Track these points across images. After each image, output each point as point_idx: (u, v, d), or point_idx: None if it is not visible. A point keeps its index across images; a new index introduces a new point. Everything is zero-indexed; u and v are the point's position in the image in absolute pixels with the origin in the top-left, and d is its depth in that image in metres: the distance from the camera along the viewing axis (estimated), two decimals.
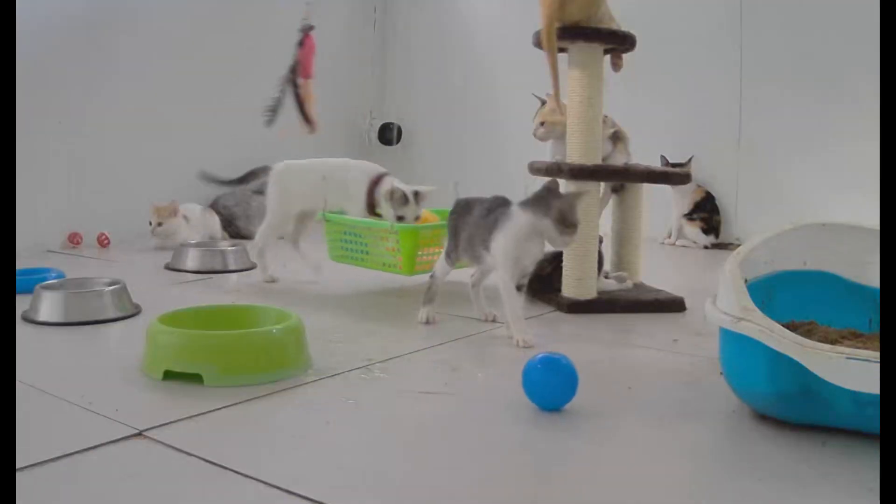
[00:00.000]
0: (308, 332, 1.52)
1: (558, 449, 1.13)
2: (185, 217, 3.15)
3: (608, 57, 2.16)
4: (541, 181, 1.75)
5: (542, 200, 1.65)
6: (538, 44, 2.03)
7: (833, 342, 1.24)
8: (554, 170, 2.07)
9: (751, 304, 1.17)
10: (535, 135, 2.29)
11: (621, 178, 2.24)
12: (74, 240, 3.11)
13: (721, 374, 1.31)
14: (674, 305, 2.10)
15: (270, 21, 3.86)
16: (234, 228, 3.49)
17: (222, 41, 3.65)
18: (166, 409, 1.23)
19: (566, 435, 1.18)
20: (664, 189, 3.26)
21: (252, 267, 2.69)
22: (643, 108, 3.29)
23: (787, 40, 3.34)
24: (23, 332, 1.74)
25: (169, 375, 1.37)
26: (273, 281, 2.40)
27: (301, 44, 2.41)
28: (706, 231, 3.50)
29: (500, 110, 4.08)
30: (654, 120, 3.39)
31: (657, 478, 1.04)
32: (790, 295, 1.40)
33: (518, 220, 1.65)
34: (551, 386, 1.27)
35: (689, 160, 3.44)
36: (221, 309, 1.66)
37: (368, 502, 0.95)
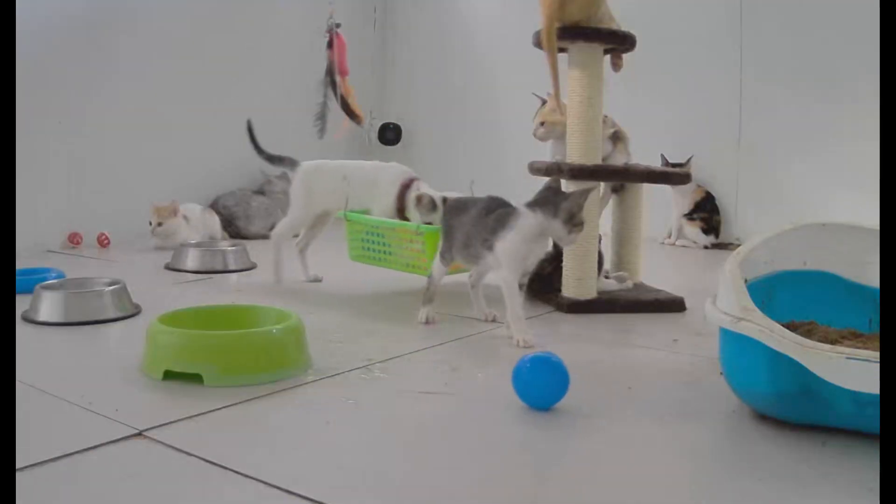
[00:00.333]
0: (308, 332, 1.52)
1: (558, 449, 1.13)
2: (185, 217, 3.15)
3: (608, 57, 2.16)
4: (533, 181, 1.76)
5: (550, 201, 1.66)
6: (538, 44, 2.03)
7: (833, 342, 1.24)
8: (554, 170, 2.07)
9: (751, 304, 1.17)
10: (535, 135, 2.29)
11: (621, 178, 2.24)
12: (74, 240, 3.11)
13: (721, 374, 1.31)
14: (674, 305, 2.10)
15: (270, 21, 3.88)
16: (234, 228, 3.49)
17: (222, 41, 3.66)
18: (166, 409, 1.23)
19: (566, 435, 1.18)
20: (664, 189, 3.26)
21: (252, 267, 2.69)
22: (643, 108, 3.29)
23: (787, 40, 3.34)
24: (23, 332, 1.74)
25: (169, 375, 1.37)
26: (317, 281, 2.39)
27: (330, 43, 2.41)
28: (706, 231, 3.50)
29: (500, 110, 4.08)
30: (654, 120, 3.39)
31: (657, 478, 1.04)
32: (790, 295, 1.40)
33: (526, 220, 1.66)
34: (541, 385, 1.27)
35: (689, 160, 3.44)
36: (221, 309, 1.66)
37: (368, 502, 0.95)
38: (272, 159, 2.45)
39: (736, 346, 1.20)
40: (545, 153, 2.31)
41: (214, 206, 3.50)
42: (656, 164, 3.27)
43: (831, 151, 3.23)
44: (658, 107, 3.53)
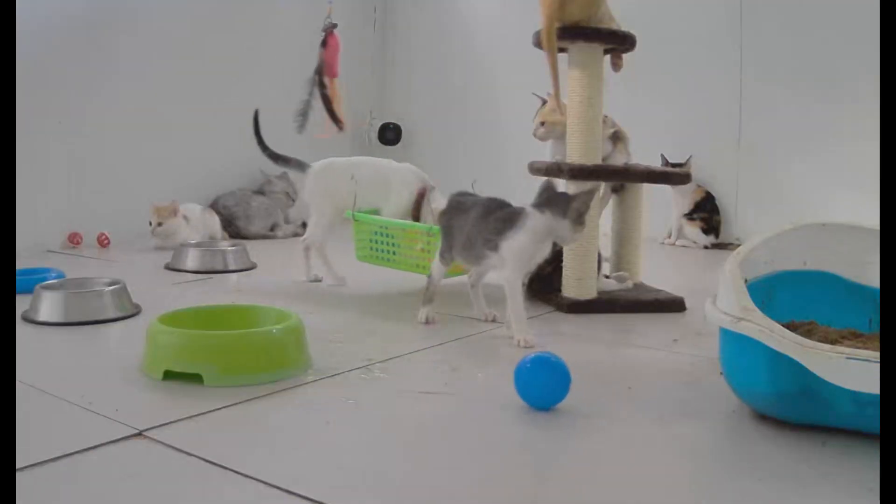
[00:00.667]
0: (308, 332, 1.52)
1: (558, 449, 1.13)
2: (185, 217, 3.15)
3: (608, 57, 2.16)
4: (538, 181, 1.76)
5: (558, 201, 1.67)
6: (538, 44, 2.03)
7: (833, 342, 1.24)
8: (554, 170, 2.07)
9: (751, 304, 1.17)
10: (535, 135, 2.29)
11: (621, 178, 2.24)
12: (74, 240, 3.11)
13: (721, 374, 1.31)
14: (674, 305, 2.10)
15: (271, 21, 3.88)
16: (234, 228, 3.49)
17: (222, 41, 3.66)
18: (166, 409, 1.23)
19: (566, 434, 1.18)
20: (664, 189, 3.26)
21: (252, 267, 2.69)
22: (643, 108, 3.29)
23: (787, 40, 3.34)
24: (23, 332, 1.74)
25: (169, 375, 1.37)
26: (341, 284, 2.37)
27: (325, 43, 2.40)
28: (706, 231, 3.50)
29: (500, 110, 4.08)
30: (654, 120, 3.39)
31: (657, 478, 1.04)
32: (790, 295, 1.40)
33: (535, 221, 1.66)
34: (542, 385, 1.27)
35: (688, 160, 3.44)
36: (221, 309, 1.66)
37: (368, 502, 0.95)
38: (277, 158, 2.43)
39: (736, 346, 1.20)
40: (545, 153, 2.31)
41: (214, 206, 3.50)
42: (656, 164, 3.27)
43: (831, 151, 3.23)
44: (658, 107, 3.53)
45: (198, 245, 2.76)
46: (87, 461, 1.04)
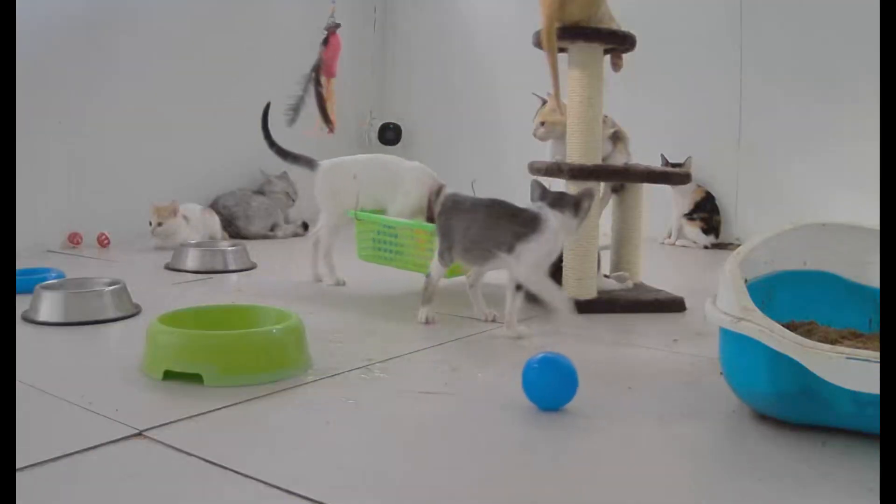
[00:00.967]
0: (308, 332, 1.52)
1: (558, 449, 1.13)
2: (185, 217, 3.15)
3: (608, 57, 2.16)
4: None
5: (566, 201, 1.72)
6: (538, 44, 2.03)
7: (833, 342, 1.24)
8: (554, 170, 2.07)
9: (751, 304, 1.17)
10: (535, 135, 2.29)
11: (621, 178, 2.24)
12: (74, 240, 3.11)
13: (721, 374, 1.31)
14: (674, 305, 2.10)
15: (271, 21, 3.88)
16: (234, 228, 3.49)
17: (222, 41, 3.66)
18: (166, 409, 1.23)
19: (566, 435, 1.18)
20: (664, 189, 3.26)
21: (252, 267, 2.69)
22: (643, 108, 3.29)
23: (787, 40, 3.34)
24: (23, 332, 1.74)
25: (169, 375, 1.37)
26: (341, 284, 2.36)
27: (326, 42, 2.40)
28: (706, 231, 3.50)
29: (500, 110, 4.08)
30: (654, 120, 3.39)
31: (657, 478, 1.04)
32: (790, 295, 1.40)
33: (555, 222, 1.70)
34: (550, 386, 1.27)
35: (687, 160, 3.44)
36: (221, 309, 1.66)
37: (368, 502, 0.95)
38: (286, 155, 2.42)
39: (736, 346, 1.20)
40: (545, 153, 2.31)
41: (214, 206, 3.50)
42: (656, 164, 3.27)
43: (831, 151, 3.23)
44: (658, 107, 3.53)
45: (198, 245, 2.75)
46: (87, 461, 1.04)
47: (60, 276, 2.18)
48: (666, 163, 3.39)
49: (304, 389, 1.37)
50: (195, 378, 1.35)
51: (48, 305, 1.83)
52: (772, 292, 1.37)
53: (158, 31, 3.40)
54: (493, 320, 1.89)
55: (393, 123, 4.49)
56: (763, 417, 1.23)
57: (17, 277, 2.05)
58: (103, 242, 3.16)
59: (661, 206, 3.41)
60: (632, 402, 1.36)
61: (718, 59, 3.51)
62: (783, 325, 1.15)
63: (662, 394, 1.40)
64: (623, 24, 2.11)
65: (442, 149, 4.34)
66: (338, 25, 2.40)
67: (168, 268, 2.65)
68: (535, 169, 2.16)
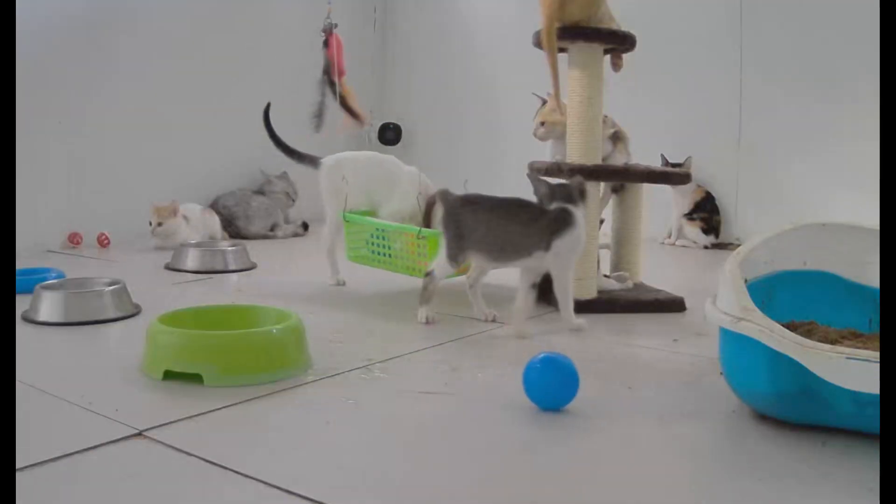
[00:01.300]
0: (308, 332, 1.52)
1: (558, 449, 1.13)
2: (185, 217, 3.15)
3: (608, 57, 2.16)
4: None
5: (575, 193, 1.77)
6: (538, 44, 2.03)
7: (833, 342, 1.24)
8: (554, 170, 2.07)
9: (751, 304, 1.17)
10: (535, 135, 2.29)
11: (621, 178, 2.24)
12: (74, 240, 3.11)
13: (721, 374, 1.31)
14: (674, 305, 2.10)
15: (271, 21, 3.88)
16: (234, 228, 3.49)
17: (222, 41, 3.66)
18: (166, 409, 1.23)
19: (566, 435, 1.18)
20: (664, 189, 3.26)
21: (252, 267, 2.69)
22: (643, 108, 3.29)
23: (787, 40, 3.34)
24: (23, 332, 1.74)
25: (169, 375, 1.37)
26: (341, 284, 2.36)
27: (326, 44, 2.41)
28: (706, 231, 3.50)
29: (500, 110, 4.08)
30: (654, 120, 3.39)
31: (657, 478, 1.04)
32: (790, 295, 1.40)
33: (581, 216, 1.77)
34: (551, 386, 1.27)
35: (687, 160, 3.44)
36: (221, 309, 1.66)
37: (368, 502, 0.95)
38: (291, 153, 2.41)
39: (736, 346, 1.20)
40: (545, 153, 2.31)
41: (214, 206, 3.50)
42: (656, 164, 3.27)
43: (831, 151, 3.23)
44: (658, 107, 3.53)
45: (198, 245, 2.75)
46: (87, 461, 1.04)
47: (60, 276, 2.18)
48: (666, 163, 3.39)
49: (304, 389, 1.37)
50: (195, 378, 1.35)
51: (48, 305, 1.83)
52: (772, 292, 1.37)
53: (158, 31, 3.40)
54: (493, 320, 1.89)
55: (393, 123, 4.49)
56: (763, 417, 1.23)
57: (17, 277, 2.05)
58: (103, 242, 3.16)
59: (661, 206, 3.41)
60: (632, 401, 1.36)
61: (718, 59, 3.51)
62: (783, 325, 1.15)
63: (662, 394, 1.40)
64: (623, 24, 2.11)
65: (442, 149, 4.34)
66: (335, 25, 2.40)
67: (168, 268, 2.65)
68: (535, 169, 2.16)
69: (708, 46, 3.53)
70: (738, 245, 1.50)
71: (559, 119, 2.18)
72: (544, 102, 2.28)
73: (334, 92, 2.38)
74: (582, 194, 1.78)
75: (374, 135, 4.50)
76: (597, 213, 2.11)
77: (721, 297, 1.24)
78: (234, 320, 1.57)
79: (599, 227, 2.23)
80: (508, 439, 1.17)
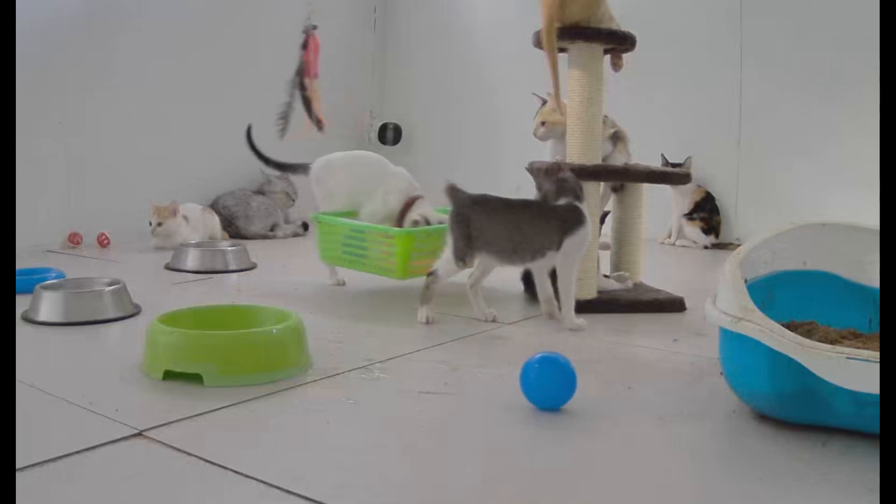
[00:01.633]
0: (308, 332, 1.52)
1: (558, 449, 1.13)
2: (185, 217, 3.15)
3: (608, 57, 2.16)
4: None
5: (577, 189, 1.81)
6: (538, 44, 2.03)
7: (833, 342, 1.24)
8: (554, 170, 2.07)
9: (751, 304, 1.17)
10: (535, 134, 2.29)
11: (621, 178, 2.24)
12: (74, 240, 3.11)
13: (721, 374, 1.31)
14: (674, 305, 2.10)
15: (271, 21, 3.87)
16: (234, 228, 3.49)
17: (222, 41, 3.66)
18: (166, 409, 1.23)
19: (566, 434, 1.18)
20: (664, 189, 3.26)
21: (252, 267, 2.69)
22: (643, 108, 3.29)
23: (787, 40, 3.34)
24: (23, 332, 1.74)
25: (169, 375, 1.37)
26: (341, 284, 2.36)
27: (305, 45, 2.41)
28: (706, 231, 3.50)
29: (500, 110, 4.08)
30: (654, 120, 3.39)
31: (657, 478, 1.04)
32: (790, 295, 1.40)
33: (589, 215, 1.80)
34: (549, 386, 1.27)
35: (687, 160, 3.44)
36: (221, 309, 1.66)
37: (368, 502, 0.95)
38: (282, 167, 2.45)
39: (736, 346, 1.20)
40: (545, 153, 2.31)
41: (214, 206, 3.50)
42: (656, 164, 3.27)
43: (831, 151, 3.23)
44: (658, 107, 3.53)
45: (198, 245, 2.76)
46: (87, 461, 1.04)
47: (60, 276, 2.18)
48: (666, 163, 3.39)
49: (304, 389, 1.37)
50: (195, 378, 1.35)
51: (48, 305, 1.83)
52: (772, 292, 1.37)
53: (158, 30, 3.40)
54: (493, 320, 1.89)
55: (393, 123, 4.49)
56: (763, 417, 1.23)
57: (17, 277, 2.06)
58: (103, 242, 3.16)
59: (661, 206, 3.41)
60: (631, 401, 1.36)
61: (718, 59, 3.51)
62: (783, 325, 1.15)
63: (662, 394, 1.40)
64: (623, 24, 2.11)
65: (442, 149, 4.34)
66: (315, 27, 2.41)
67: (168, 268, 2.65)
68: (535, 169, 2.16)
69: (708, 46, 3.54)
70: (738, 245, 1.50)
71: (559, 119, 2.18)
72: (544, 102, 2.28)
73: (302, 94, 2.38)
74: (581, 190, 1.81)
75: (374, 135, 4.50)
76: (597, 212, 2.11)
77: (721, 297, 1.24)
78: (234, 320, 1.57)
79: (603, 221, 2.23)
80: (508, 439, 1.17)
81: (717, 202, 3.54)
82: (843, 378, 1.06)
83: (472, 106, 4.26)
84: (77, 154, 3.16)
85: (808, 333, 1.26)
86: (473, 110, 4.25)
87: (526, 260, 1.80)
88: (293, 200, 3.75)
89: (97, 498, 0.94)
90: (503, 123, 4.00)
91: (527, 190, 1.96)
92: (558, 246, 1.77)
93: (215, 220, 3.37)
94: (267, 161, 2.44)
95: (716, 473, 1.07)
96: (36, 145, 2.95)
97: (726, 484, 1.03)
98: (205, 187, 3.56)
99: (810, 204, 3.18)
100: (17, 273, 2.09)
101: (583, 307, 2.03)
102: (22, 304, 1.87)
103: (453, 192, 1.85)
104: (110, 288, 1.92)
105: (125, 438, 1.11)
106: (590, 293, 2.07)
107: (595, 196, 2.08)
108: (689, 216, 3.53)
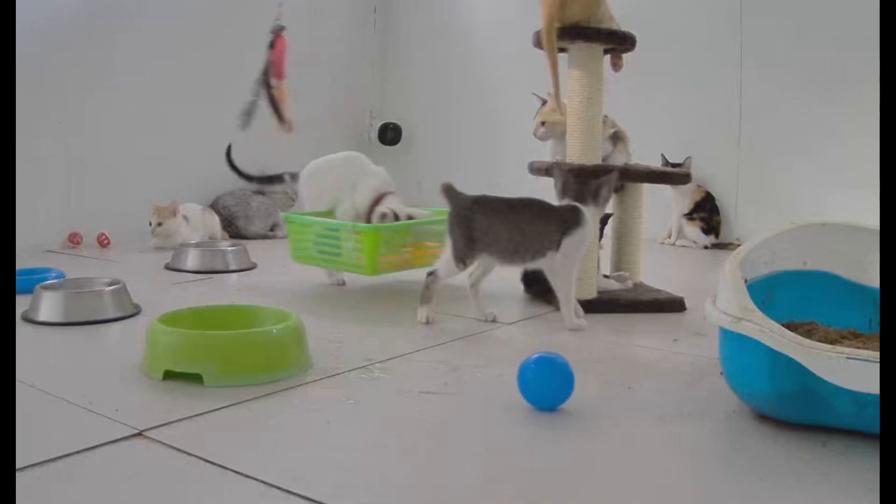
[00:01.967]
0: (308, 332, 1.52)
1: (558, 449, 1.13)
2: (185, 217, 3.15)
3: (608, 57, 2.16)
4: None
5: (588, 190, 1.80)
6: (538, 44, 2.03)
7: (833, 342, 1.24)
8: (554, 170, 2.07)
9: (751, 304, 1.17)
10: (535, 135, 2.29)
11: (621, 178, 2.23)
12: (74, 240, 3.11)
13: (721, 374, 1.31)
14: (674, 305, 2.10)
15: (271, 21, 3.87)
16: (234, 228, 3.49)
17: (223, 41, 3.65)
18: (166, 409, 1.23)
19: (566, 434, 1.18)
20: (664, 189, 3.26)
21: (252, 267, 2.69)
22: (643, 108, 3.28)
23: (787, 40, 3.33)
24: (23, 332, 1.74)
25: (169, 375, 1.37)
26: (341, 284, 2.37)
27: (272, 45, 2.43)
28: (706, 231, 3.50)
29: (500, 110, 4.08)
30: (654, 120, 3.38)
31: (657, 478, 1.04)
32: (790, 295, 1.40)
33: (588, 214, 1.79)
34: (546, 386, 1.27)
35: (687, 160, 3.44)
36: (221, 309, 1.66)
37: (368, 502, 0.95)
38: (271, 181, 2.49)
39: (736, 346, 1.20)
40: (545, 153, 2.31)
41: (214, 206, 3.50)
42: (656, 164, 3.27)
43: (831, 151, 3.23)
44: (658, 107, 3.53)
45: (198, 245, 2.76)
46: (87, 461, 1.04)
47: (60, 276, 2.18)
48: (666, 163, 3.39)
49: (304, 389, 1.37)
50: (195, 378, 1.35)
51: (48, 305, 1.83)
52: (772, 292, 1.37)
53: (158, 30, 3.40)
54: (493, 320, 1.89)
55: (393, 123, 4.49)
56: (763, 417, 1.23)
57: (17, 277, 2.06)
58: (103, 242, 3.16)
59: (661, 206, 3.40)
60: (631, 401, 1.36)
61: (718, 58, 3.51)
62: (783, 325, 1.15)
63: (662, 394, 1.40)
64: (623, 24, 2.11)
65: (442, 149, 4.34)
66: (282, 28, 2.42)
67: (168, 268, 2.65)
68: (535, 169, 2.16)
69: (708, 46, 3.53)
70: (738, 245, 1.49)
71: (559, 119, 2.18)
72: (544, 102, 2.28)
73: (269, 93, 2.40)
74: (596, 192, 1.80)
75: (374, 135, 4.49)
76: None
77: (721, 297, 1.24)
78: (234, 320, 1.57)
79: (605, 224, 2.23)
80: (508, 439, 1.17)
81: (717, 202, 3.53)
82: (843, 378, 1.06)
83: (472, 106, 4.26)
84: (77, 154, 3.16)
85: (808, 333, 1.26)
86: (473, 110, 4.25)
87: (527, 260, 1.80)
88: (293, 200, 3.75)
89: (97, 498, 0.95)
90: (503, 123, 4.00)
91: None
92: (557, 246, 1.77)
93: (215, 220, 3.37)
94: (249, 178, 2.48)
95: (716, 473, 1.07)
96: (36, 145, 2.95)
97: (726, 484, 1.03)
98: (205, 187, 3.56)
99: (810, 204, 3.18)
100: (17, 273, 2.09)
101: (583, 307, 2.03)
102: (22, 304, 1.87)
103: (451, 192, 1.85)
104: (110, 288, 1.92)
105: (125, 438, 1.11)
106: (590, 293, 2.07)
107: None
108: (689, 216, 3.52)
